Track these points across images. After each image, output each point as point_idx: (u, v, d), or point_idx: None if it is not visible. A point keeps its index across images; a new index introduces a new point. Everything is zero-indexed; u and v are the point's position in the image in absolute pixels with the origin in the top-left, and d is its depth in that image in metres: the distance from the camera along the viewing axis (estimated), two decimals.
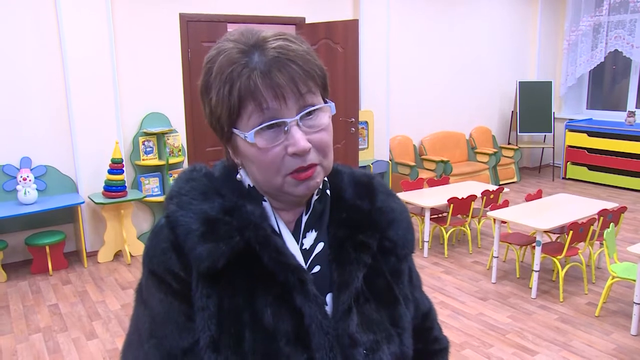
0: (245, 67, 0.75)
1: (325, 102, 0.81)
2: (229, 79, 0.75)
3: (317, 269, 0.85)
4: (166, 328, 0.79)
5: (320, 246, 0.86)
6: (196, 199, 0.81)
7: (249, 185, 0.85)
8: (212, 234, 0.77)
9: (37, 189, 4.40)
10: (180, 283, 0.79)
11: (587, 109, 8.24)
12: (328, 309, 0.81)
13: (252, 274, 0.79)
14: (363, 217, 0.88)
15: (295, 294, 0.78)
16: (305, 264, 0.83)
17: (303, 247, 0.85)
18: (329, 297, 0.83)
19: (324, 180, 0.88)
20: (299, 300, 0.78)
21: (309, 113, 0.78)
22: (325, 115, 0.80)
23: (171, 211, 0.81)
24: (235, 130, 0.79)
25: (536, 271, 3.87)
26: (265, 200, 0.84)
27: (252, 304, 0.78)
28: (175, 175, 0.93)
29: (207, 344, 0.76)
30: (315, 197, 0.86)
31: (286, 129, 0.76)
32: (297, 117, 0.76)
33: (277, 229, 0.83)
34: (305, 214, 0.86)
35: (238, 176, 0.85)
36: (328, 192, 0.89)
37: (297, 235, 0.85)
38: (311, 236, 0.86)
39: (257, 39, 0.77)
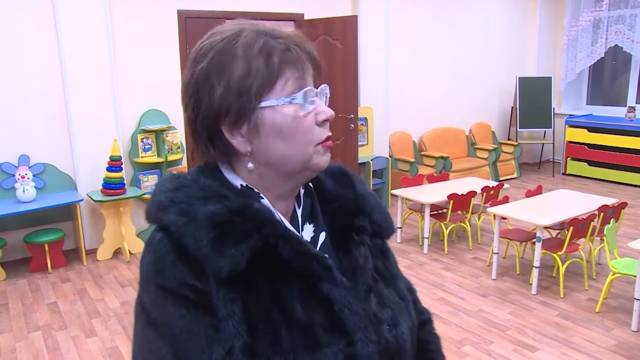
0: (277, 40, 0.79)
1: None
2: (264, 51, 0.77)
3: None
4: (195, 345, 0.73)
5: (323, 236, 0.88)
6: (196, 204, 0.77)
7: (241, 185, 0.83)
8: (227, 237, 0.74)
9: (35, 187, 4.39)
10: (198, 294, 0.73)
11: (587, 104, 8.23)
12: None
13: (270, 271, 0.78)
14: (352, 204, 0.92)
15: (322, 282, 0.79)
16: None
17: (304, 239, 0.85)
18: None
19: None
20: (325, 287, 0.79)
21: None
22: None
23: (171, 221, 0.76)
24: (265, 102, 0.78)
25: (536, 267, 3.86)
26: (262, 198, 0.83)
27: (279, 301, 0.77)
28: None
29: (242, 351, 0.73)
30: (302, 192, 0.89)
31: (313, 98, 0.81)
32: (319, 89, 0.82)
33: (282, 223, 0.83)
34: (298, 207, 0.88)
35: (250, 165, 0.82)
36: (311, 185, 0.92)
37: (296, 228, 0.86)
38: (308, 228, 0.87)
39: (263, 26, 0.81)
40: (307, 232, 0.87)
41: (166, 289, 0.74)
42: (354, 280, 0.84)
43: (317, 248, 0.86)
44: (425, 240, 4.78)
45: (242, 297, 0.75)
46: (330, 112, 0.82)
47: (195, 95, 0.79)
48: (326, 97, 0.85)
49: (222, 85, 0.77)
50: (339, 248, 0.87)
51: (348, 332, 0.78)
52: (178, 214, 0.76)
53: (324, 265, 0.79)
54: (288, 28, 0.84)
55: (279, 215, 0.83)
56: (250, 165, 0.82)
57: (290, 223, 0.86)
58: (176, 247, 0.74)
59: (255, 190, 0.83)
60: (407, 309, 0.91)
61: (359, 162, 5.87)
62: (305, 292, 0.78)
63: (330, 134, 0.83)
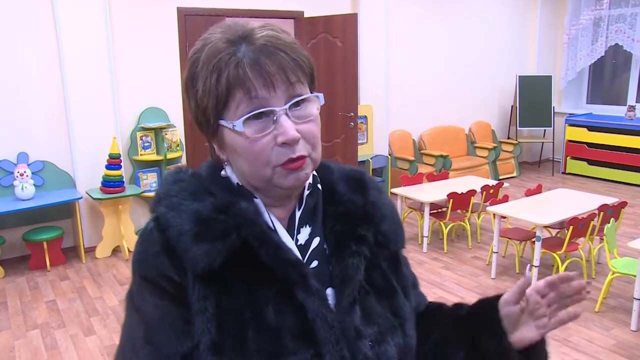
0: (232, 55, 0.74)
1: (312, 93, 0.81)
2: (216, 68, 0.74)
3: (314, 264, 0.84)
4: (163, 334, 0.76)
5: (316, 241, 0.85)
6: (186, 199, 0.79)
7: (237, 183, 0.83)
8: (207, 234, 0.76)
9: (34, 185, 4.38)
10: (175, 287, 0.76)
11: (587, 103, 8.21)
12: (330, 302, 0.80)
13: (249, 272, 0.77)
14: (359, 210, 0.88)
15: (297, 289, 0.77)
16: (303, 260, 0.82)
17: (298, 243, 0.84)
18: (329, 292, 0.82)
19: (314, 175, 0.87)
20: (300, 295, 0.77)
21: (297, 103, 0.77)
22: (314, 106, 0.80)
23: (161, 213, 0.79)
24: (222, 122, 0.78)
25: (536, 266, 3.86)
26: (256, 198, 0.83)
27: (253, 303, 0.77)
28: None
29: (207, 347, 0.74)
30: (306, 192, 0.86)
31: (275, 118, 0.75)
32: (286, 106, 0.76)
33: (271, 225, 0.82)
34: (298, 210, 0.85)
35: (223, 172, 0.84)
36: (319, 186, 0.89)
37: (292, 231, 0.84)
38: (305, 231, 0.85)
39: (244, 30, 0.77)
40: (304, 235, 0.85)
41: (146, 278, 0.78)
42: (340, 290, 0.81)
43: (309, 253, 0.84)
44: (425, 239, 4.78)
45: (216, 295, 0.76)
46: (291, 135, 0.75)
47: (186, 101, 0.83)
48: (313, 105, 0.79)
49: (193, 101, 0.80)
50: (334, 255, 0.84)
51: (318, 342, 0.76)
52: (168, 207, 0.78)
53: (299, 273, 0.78)
54: (284, 26, 0.82)
55: (269, 217, 0.82)
56: (223, 172, 0.84)
57: (288, 225, 0.84)
58: (162, 239, 0.77)
59: (250, 189, 0.83)
60: (402, 327, 0.85)
61: (359, 160, 5.86)
62: (281, 296, 0.77)
63: (295, 155, 0.76)
